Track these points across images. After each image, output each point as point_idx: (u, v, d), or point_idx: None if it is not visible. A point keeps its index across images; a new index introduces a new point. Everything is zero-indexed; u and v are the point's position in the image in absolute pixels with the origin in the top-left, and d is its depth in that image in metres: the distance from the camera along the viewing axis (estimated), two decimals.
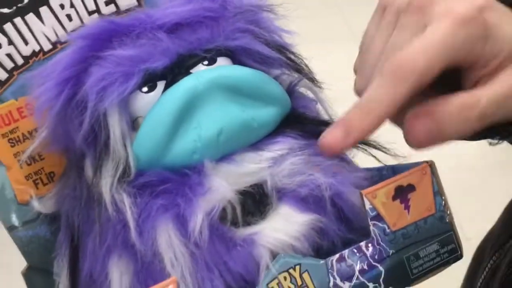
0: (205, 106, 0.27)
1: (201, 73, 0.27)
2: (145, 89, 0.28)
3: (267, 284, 0.24)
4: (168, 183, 0.26)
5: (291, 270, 0.25)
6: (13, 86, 0.31)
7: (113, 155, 0.27)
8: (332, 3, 1.85)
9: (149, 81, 0.28)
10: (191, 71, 0.28)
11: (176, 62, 0.28)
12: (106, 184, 0.26)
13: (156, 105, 0.27)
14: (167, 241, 0.25)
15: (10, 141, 0.31)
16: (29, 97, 0.30)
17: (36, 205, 0.31)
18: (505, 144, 0.35)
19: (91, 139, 0.27)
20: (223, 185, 0.26)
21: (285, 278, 0.25)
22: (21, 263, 0.32)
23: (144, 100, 0.28)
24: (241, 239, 0.25)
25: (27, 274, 0.32)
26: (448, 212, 0.28)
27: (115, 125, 0.27)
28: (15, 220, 0.31)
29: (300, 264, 0.25)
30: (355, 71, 0.28)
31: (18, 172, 0.31)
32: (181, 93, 0.26)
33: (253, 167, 0.27)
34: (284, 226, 0.26)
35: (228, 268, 0.25)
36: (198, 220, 0.25)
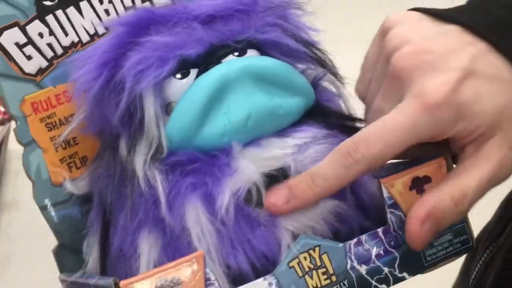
0: (235, 93, 0.29)
1: (232, 62, 0.30)
2: (178, 75, 0.30)
3: (288, 263, 0.27)
4: (197, 163, 0.29)
5: (311, 251, 0.27)
6: (52, 74, 0.34)
7: (147, 134, 0.29)
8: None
9: (183, 68, 0.30)
10: (222, 61, 0.30)
11: (209, 51, 0.30)
12: (140, 161, 0.29)
13: (189, 89, 0.29)
14: (195, 218, 0.27)
15: (47, 125, 0.34)
16: (66, 85, 0.34)
17: (69, 186, 0.33)
18: None
19: (126, 119, 0.30)
20: (249, 167, 0.28)
21: (305, 258, 0.27)
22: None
23: (177, 86, 0.30)
24: (264, 220, 0.28)
25: (58, 252, 0.35)
26: None
27: (150, 106, 0.29)
28: (47, 201, 0.34)
29: (320, 246, 0.27)
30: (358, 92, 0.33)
31: (54, 155, 0.34)
32: (213, 80, 0.29)
33: (278, 152, 0.29)
34: (305, 210, 0.28)
35: (251, 246, 0.27)
36: (225, 199, 0.27)
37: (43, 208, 0.34)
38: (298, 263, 0.27)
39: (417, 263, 0.29)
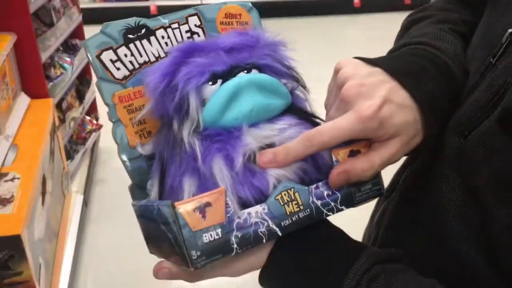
0: (244, 94, 0.43)
1: (243, 76, 0.44)
2: (210, 83, 0.44)
3: (275, 197, 0.41)
4: (221, 136, 0.43)
5: (288, 190, 0.42)
6: (132, 79, 0.48)
7: (191, 117, 0.43)
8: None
9: (213, 79, 0.44)
10: (237, 75, 0.45)
11: (229, 69, 0.45)
12: (186, 133, 0.43)
13: (217, 91, 0.44)
14: (219, 168, 0.41)
15: (128, 111, 0.48)
16: (140, 87, 0.48)
17: (140, 149, 0.47)
18: None
19: (178, 108, 0.44)
20: (252, 141, 0.42)
21: (284, 195, 0.42)
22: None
23: (209, 89, 0.44)
24: (259, 170, 0.42)
25: (132, 188, 0.48)
26: None
27: (193, 101, 0.43)
28: (126, 157, 0.48)
29: (293, 187, 0.42)
30: (325, 106, 0.49)
31: (131, 129, 0.48)
32: (231, 86, 0.43)
33: (269, 132, 0.44)
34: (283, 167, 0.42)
35: (252, 184, 0.41)
36: (239, 159, 0.41)
37: (123, 161, 0.47)
38: (280, 197, 0.41)
39: (350, 201, 0.44)
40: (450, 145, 0.45)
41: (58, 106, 2.03)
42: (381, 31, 4.05)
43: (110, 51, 0.47)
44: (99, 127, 2.42)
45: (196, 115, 0.43)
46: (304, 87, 0.49)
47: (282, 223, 0.41)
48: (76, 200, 2.02)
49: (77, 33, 2.33)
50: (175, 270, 0.43)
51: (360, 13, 4.57)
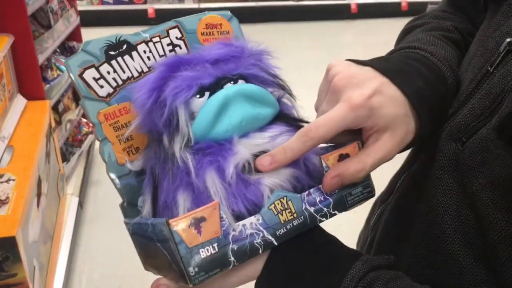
0: (233, 106, 0.43)
1: (231, 87, 0.44)
2: (198, 96, 0.44)
3: (268, 207, 0.41)
4: (212, 148, 0.43)
5: (281, 199, 0.42)
6: (116, 96, 0.47)
7: (181, 131, 0.43)
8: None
9: (201, 91, 0.44)
10: (224, 87, 0.45)
11: (216, 81, 0.45)
12: (177, 148, 0.42)
13: (206, 104, 0.43)
14: (212, 181, 0.41)
15: (114, 128, 0.47)
16: (126, 103, 0.47)
17: (129, 165, 0.47)
18: None
19: (167, 123, 0.43)
20: (243, 150, 0.42)
21: (278, 204, 0.42)
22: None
23: (197, 103, 0.44)
24: (253, 181, 0.42)
25: (123, 206, 0.47)
26: None
27: (182, 115, 0.43)
28: (115, 175, 0.47)
29: (286, 196, 0.42)
30: (315, 108, 0.49)
31: (119, 146, 0.47)
32: (219, 98, 0.43)
33: (260, 141, 0.44)
34: (276, 174, 0.43)
35: (246, 197, 0.41)
36: (230, 170, 0.41)
37: (112, 179, 0.47)
38: (274, 207, 0.41)
39: (343, 205, 0.45)
40: (447, 151, 0.45)
41: (55, 108, 2.03)
42: (378, 37, 4.07)
43: (93, 69, 0.46)
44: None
45: (186, 129, 0.43)
46: (291, 94, 0.49)
47: (277, 232, 0.42)
48: (71, 202, 2.01)
49: (75, 35, 2.33)
50: (173, 287, 0.42)
51: (357, 19, 4.59)
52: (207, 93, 0.44)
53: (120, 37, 0.47)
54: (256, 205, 0.42)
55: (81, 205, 2.12)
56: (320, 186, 0.44)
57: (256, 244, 0.41)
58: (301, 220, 0.43)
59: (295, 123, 0.47)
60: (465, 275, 0.43)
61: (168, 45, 0.49)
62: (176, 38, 0.50)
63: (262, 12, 4.38)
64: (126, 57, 0.47)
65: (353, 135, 0.46)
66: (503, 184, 0.40)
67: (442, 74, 0.49)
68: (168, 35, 0.49)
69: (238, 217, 0.41)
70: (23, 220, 1.26)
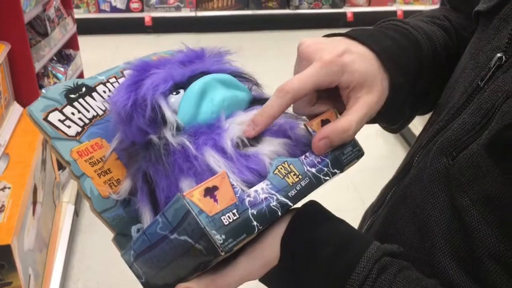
0: (211, 90, 0.45)
1: (205, 76, 0.46)
2: (174, 93, 0.46)
3: (273, 172, 0.42)
4: (202, 129, 0.44)
5: (283, 164, 0.43)
6: (85, 134, 0.48)
7: (169, 122, 0.43)
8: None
9: (176, 89, 0.46)
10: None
11: (188, 79, 0.46)
12: (169, 136, 0.43)
13: (186, 92, 0.45)
14: (213, 158, 0.41)
15: (90, 163, 0.47)
16: (97, 139, 0.48)
17: (114, 196, 0.46)
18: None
19: (152, 120, 0.44)
20: (233, 126, 0.44)
21: (281, 168, 0.43)
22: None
23: (175, 99, 0.45)
24: (251, 153, 0.43)
25: (116, 239, 0.47)
26: None
27: (165, 106, 0.44)
28: (100, 209, 0.47)
29: (286, 161, 0.43)
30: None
31: (99, 180, 0.47)
32: (198, 84, 0.45)
33: (245, 118, 0.45)
34: (269, 145, 0.44)
35: (249, 167, 0.42)
36: (228, 145, 0.42)
37: (99, 214, 0.46)
38: (278, 171, 0.42)
39: (339, 164, 0.46)
40: (438, 165, 0.45)
41: None
42: None
43: (56, 112, 0.47)
44: None
45: (173, 118, 0.44)
46: (257, 84, 0.51)
47: (289, 194, 0.42)
48: (67, 210, 2.01)
49: (72, 43, 2.34)
50: (195, 286, 0.42)
51: (353, 27, 4.62)
52: (181, 90, 0.46)
53: (77, 82, 0.49)
54: (260, 174, 0.42)
55: (76, 213, 2.11)
56: None
57: (273, 207, 0.40)
58: (307, 181, 0.43)
59: None
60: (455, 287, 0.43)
61: None
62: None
63: (259, 20, 4.40)
64: (87, 98, 0.49)
65: (329, 105, 0.48)
66: (492, 200, 0.40)
67: (415, 38, 0.51)
68: (123, 75, 0.51)
69: (248, 186, 0.41)
70: (19, 228, 1.25)
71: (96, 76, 0.50)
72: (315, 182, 0.44)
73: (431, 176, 0.46)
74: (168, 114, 0.43)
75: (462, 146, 0.43)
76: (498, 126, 0.40)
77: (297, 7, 4.51)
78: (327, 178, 0.45)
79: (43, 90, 0.47)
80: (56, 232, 1.81)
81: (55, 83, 2.02)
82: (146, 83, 0.44)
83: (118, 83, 0.50)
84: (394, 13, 4.66)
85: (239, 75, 0.50)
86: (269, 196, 0.41)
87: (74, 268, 1.95)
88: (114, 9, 4.22)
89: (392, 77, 0.47)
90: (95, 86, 0.50)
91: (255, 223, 0.39)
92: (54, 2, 2.10)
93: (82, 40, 2.50)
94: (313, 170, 0.44)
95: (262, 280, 0.45)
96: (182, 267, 0.41)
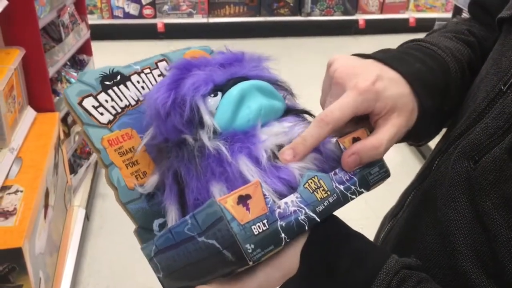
0: (249, 97, 0.45)
1: (243, 82, 0.46)
2: (212, 95, 0.46)
3: (303, 185, 0.42)
4: (238, 136, 0.44)
5: (313, 178, 0.43)
6: (117, 123, 0.48)
7: (206, 125, 0.44)
8: None
9: (214, 91, 0.46)
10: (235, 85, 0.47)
11: (226, 81, 0.47)
12: (206, 139, 0.43)
13: (224, 97, 0.45)
14: (246, 166, 0.42)
15: (119, 153, 0.47)
16: (128, 129, 0.48)
17: (139, 189, 0.47)
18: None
19: (189, 121, 0.44)
20: (269, 138, 0.44)
21: (311, 183, 0.42)
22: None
23: (213, 101, 0.45)
24: (282, 165, 0.43)
25: (137, 231, 0.47)
26: None
27: (204, 110, 0.45)
28: (126, 200, 0.47)
29: (316, 175, 0.43)
30: (321, 104, 0.51)
31: (126, 171, 0.48)
32: (237, 90, 0.45)
33: (280, 129, 0.46)
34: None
35: (280, 178, 0.42)
36: (263, 156, 0.43)
37: (124, 205, 0.46)
38: (308, 185, 0.42)
39: (366, 183, 0.46)
40: (459, 169, 0.45)
41: (64, 120, 2.04)
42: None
43: (91, 98, 0.47)
44: None
45: (210, 121, 0.44)
46: (292, 94, 0.52)
47: (317, 209, 0.42)
48: (78, 214, 2.02)
49: (85, 48, 2.36)
50: None
51: (365, 34, 4.61)
52: (219, 93, 0.46)
53: (113, 69, 0.49)
54: (291, 186, 0.42)
55: (87, 217, 2.13)
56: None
57: (301, 221, 0.40)
58: (335, 198, 0.43)
59: (306, 115, 0.50)
60: None
61: (159, 76, 0.51)
62: (165, 69, 0.52)
63: (271, 27, 4.41)
64: (122, 87, 0.49)
65: (360, 126, 0.48)
66: None
67: (443, 60, 0.52)
68: (157, 67, 0.52)
69: (280, 196, 0.42)
70: (30, 232, 1.26)
71: (131, 65, 0.50)
72: (342, 200, 0.44)
73: (452, 180, 0.46)
74: (206, 117, 0.44)
75: (485, 150, 0.43)
76: None
77: (308, 14, 4.51)
78: (354, 196, 0.45)
79: (80, 73, 0.48)
80: (67, 236, 1.82)
81: None
82: (187, 83, 0.45)
83: (152, 74, 0.51)
84: (406, 20, 4.64)
85: (276, 83, 0.50)
86: (298, 210, 0.40)
87: (84, 272, 1.96)
88: (127, 15, 4.26)
89: (421, 100, 0.48)
90: (130, 75, 0.50)
91: (283, 235, 0.39)
92: (69, 8, 2.13)
93: (96, 45, 2.52)
94: (341, 187, 0.44)
95: None
96: (204, 270, 0.41)
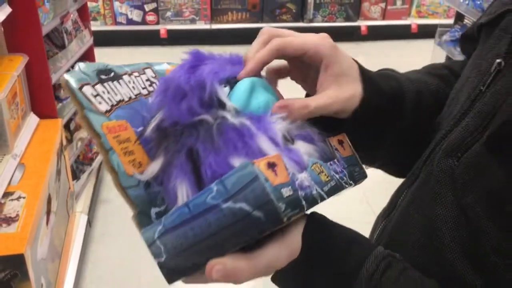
0: (257, 90, 0.50)
1: (251, 77, 0.50)
2: (223, 85, 0.49)
3: (311, 167, 0.45)
4: (254, 117, 0.47)
5: (316, 163, 0.46)
6: (114, 113, 0.49)
7: (228, 106, 0.47)
8: None
9: (226, 83, 0.49)
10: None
11: (233, 78, 0.50)
12: (231, 117, 0.46)
13: (238, 85, 0.49)
14: (266, 145, 0.44)
15: (117, 141, 0.48)
16: (123, 121, 0.49)
17: (138, 176, 0.47)
18: None
19: (205, 102, 0.47)
20: (280, 121, 0.48)
21: (316, 167, 0.46)
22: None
23: (225, 91, 0.49)
24: (293, 147, 0.47)
25: (136, 216, 0.48)
26: (357, 155, 0.53)
27: (223, 93, 0.48)
28: (125, 185, 0.47)
29: (318, 162, 0.47)
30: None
31: (124, 158, 0.48)
32: (249, 81, 0.50)
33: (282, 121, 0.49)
34: (305, 146, 0.48)
35: (291, 158, 0.45)
36: (278, 136, 0.46)
37: (124, 189, 0.47)
38: (314, 168, 0.46)
39: (353, 177, 0.51)
40: (444, 167, 0.48)
41: (66, 126, 2.05)
42: (388, 58, 4.09)
43: (89, 86, 0.48)
44: None
45: (230, 103, 0.47)
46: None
47: (324, 188, 0.46)
48: (80, 220, 2.02)
49: (88, 55, 2.37)
50: (229, 265, 0.42)
51: (367, 41, 4.62)
52: (228, 85, 0.49)
53: (107, 66, 0.51)
54: (300, 167, 0.45)
55: (89, 223, 2.13)
56: (335, 160, 0.50)
57: (314, 196, 0.44)
58: (334, 183, 0.47)
59: None
60: (463, 283, 0.45)
61: (146, 80, 0.53)
62: (152, 77, 0.54)
63: None
64: (115, 83, 0.50)
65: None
66: (495, 196, 0.42)
67: (398, 78, 0.57)
68: (144, 73, 0.54)
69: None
70: (32, 238, 1.26)
71: (122, 66, 0.52)
72: (339, 186, 0.48)
73: (438, 177, 0.48)
74: (226, 99, 0.47)
75: (466, 147, 0.46)
76: (497, 123, 0.43)
77: (311, 20, 4.53)
78: (346, 186, 0.49)
79: (78, 63, 0.49)
80: (69, 242, 1.82)
81: None
82: (206, 68, 0.48)
83: (141, 78, 0.53)
84: (408, 26, 4.65)
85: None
86: (310, 185, 0.44)
87: (86, 278, 1.96)
88: (130, 22, 4.28)
89: (365, 90, 0.51)
90: (122, 75, 0.51)
91: (304, 202, 0.42)
92: (72, 15, 2.14)
93: (99, 51, 2.53)
94: (337, 176, 0.48)
95: (277, 277, 0.47)
96: (222, 241, 0.42)
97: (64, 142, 1.81)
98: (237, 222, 0.40)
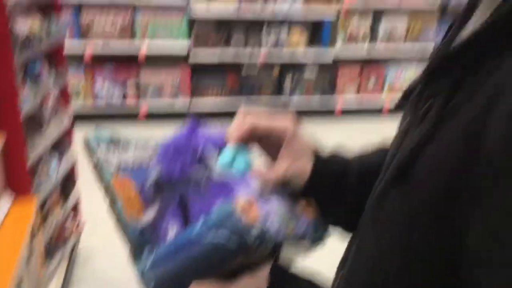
0: (240, 153, 0.61)
1: (234, 145, 0.62)
2: (213, 149, 0.62)
3: (280, 217, 0.55)
4: (234, 178, 0.59)
5: (285, 215, 0.56)
6: (121, 171, 0.59)
7: (213, 166, 0.59)
8: None
9: (215, 147, 0.63)
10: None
11: (222, 143, 0.63)
12: (215, 174, 0.58)
13: (223, 153, 0.61)
14: (244, 192, 0.56)
15: (122, 192, 0.57)
16: (126, 178, 0.59)
17: (135, 224, 0.55)
18: None
19: (195, 163, 0.59)
20: (256, 181, 0.60)
21: (284, 218, 0.56)
22: None
23: (213, 154, 0.62)
24: (267, 199, 0.57)
25: (133, 252, 0.55)
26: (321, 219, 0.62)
27: (211, 156, 0.60)
28: (125, 228, 0.56)
29: (287, 216, 0.56)
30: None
31: (126, 205, 0.57)
32: (231, 149, 0.61)
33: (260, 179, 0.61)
34: (278, 203, 0.58)
35: (263, 205, 0.55)
36: (254, 191, 0.58)
37: (124, 231, 0.55)
38: (283, 220, 0.55)
39: (314, 238, 0.59)
40: (372, 214, 0.53)
41: (42, 206, 2.00)
42: (360, 133, 4.19)
43: (104, 147, 0.60)
44: (81, 229, 2.37)
45: (217, 164, 0.59)
46: None
47: (288, 236, 0.55)
48: None
49: (67, 134, 2.37)
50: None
51: (341, 119, 4.76)
52: (216, 150, 0.61)
53: (118, 134, 0.62)
54: (271, 213, 0.55)
55: None
56: (302, 218, 0.58)
57: (280, 239, 0.54)
58: (296, 235, 0.56)
59: None
60: None
61: (148, 148, 0.64)
62: (153, 145, 0.64)
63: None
64: (124, 148, 0.62)
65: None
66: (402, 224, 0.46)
67: (345, 163, 0.64)
68: (147, 143, 0.64)
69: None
70: None
71: (130, 138, 0.63)
72: (300, 238, 0.57)
73: (366, 214, 0.54)
74: (213, 161, 0.59)
75: (380, 192, 0.51)
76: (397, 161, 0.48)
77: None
78: (307, 243, 0.58)
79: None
80: None
81: (48, 173, 2.02)
82: (199, 135, 0.60)
83: (144, 145, 0.63)
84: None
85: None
86: (278, 229, 0.53)
87: None
88: (110, 99, 4.34)
89: (312, 171, 0.61)
90: (129, 143, 0.62)
91: (272, 242, 0.52)
92: (52, 96, 2.17)
93: (78, 128, 2.54)
94: (301, 231, 0.57)
95: None
96: (203, 268, 0.52)
97: (38, 223, 1.75)
98: (218, 250, 0.50)
